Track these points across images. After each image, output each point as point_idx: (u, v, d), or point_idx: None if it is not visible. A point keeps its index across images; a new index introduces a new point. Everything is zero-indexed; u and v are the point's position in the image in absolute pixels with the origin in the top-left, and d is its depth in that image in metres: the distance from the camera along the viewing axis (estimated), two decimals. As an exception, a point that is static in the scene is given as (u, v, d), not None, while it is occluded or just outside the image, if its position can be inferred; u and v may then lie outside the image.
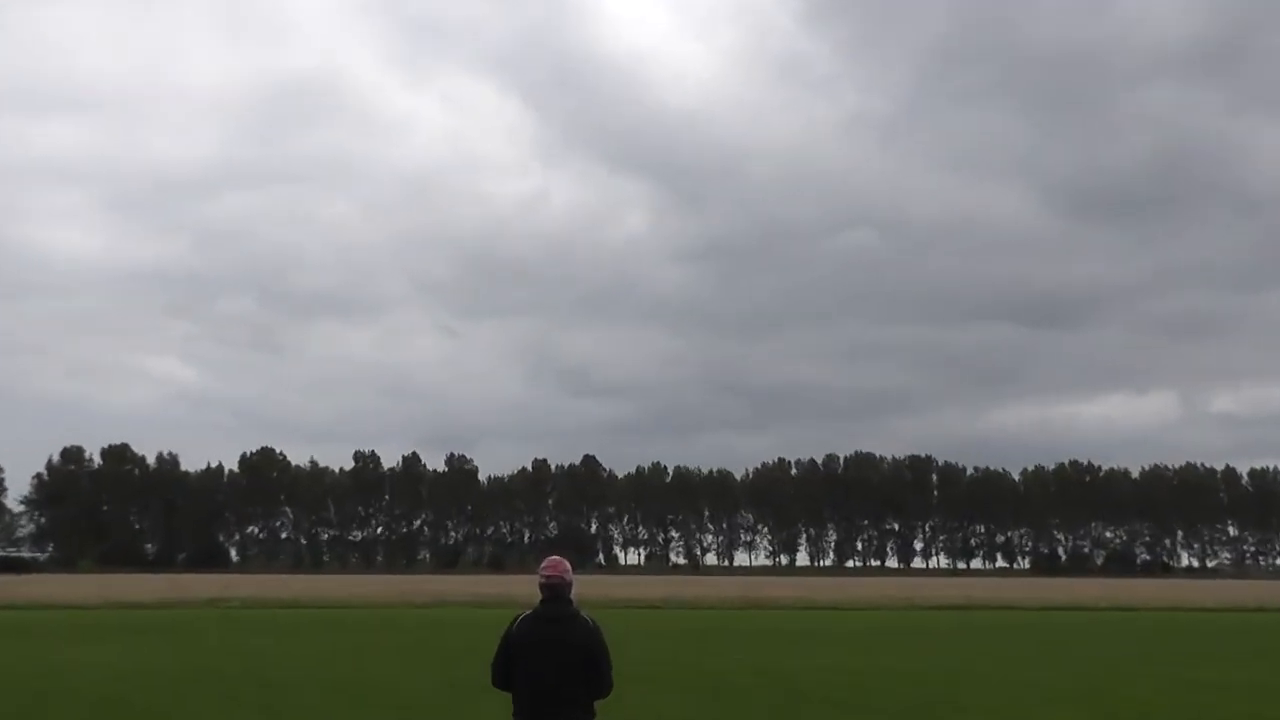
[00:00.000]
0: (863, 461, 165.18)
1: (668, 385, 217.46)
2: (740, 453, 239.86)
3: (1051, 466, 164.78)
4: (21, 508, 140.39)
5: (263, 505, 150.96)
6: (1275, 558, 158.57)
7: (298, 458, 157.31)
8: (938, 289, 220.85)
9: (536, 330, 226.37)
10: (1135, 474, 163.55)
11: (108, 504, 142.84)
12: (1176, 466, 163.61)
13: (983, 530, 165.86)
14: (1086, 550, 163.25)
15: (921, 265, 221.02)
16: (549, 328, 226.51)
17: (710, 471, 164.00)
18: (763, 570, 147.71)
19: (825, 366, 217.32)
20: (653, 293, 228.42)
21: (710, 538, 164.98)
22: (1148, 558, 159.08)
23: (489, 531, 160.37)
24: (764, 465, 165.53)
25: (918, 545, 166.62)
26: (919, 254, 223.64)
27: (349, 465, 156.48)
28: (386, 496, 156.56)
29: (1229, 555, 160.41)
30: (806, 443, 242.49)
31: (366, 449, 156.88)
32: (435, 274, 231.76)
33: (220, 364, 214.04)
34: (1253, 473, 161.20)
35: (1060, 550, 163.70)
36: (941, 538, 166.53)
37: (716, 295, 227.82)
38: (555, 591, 5.75)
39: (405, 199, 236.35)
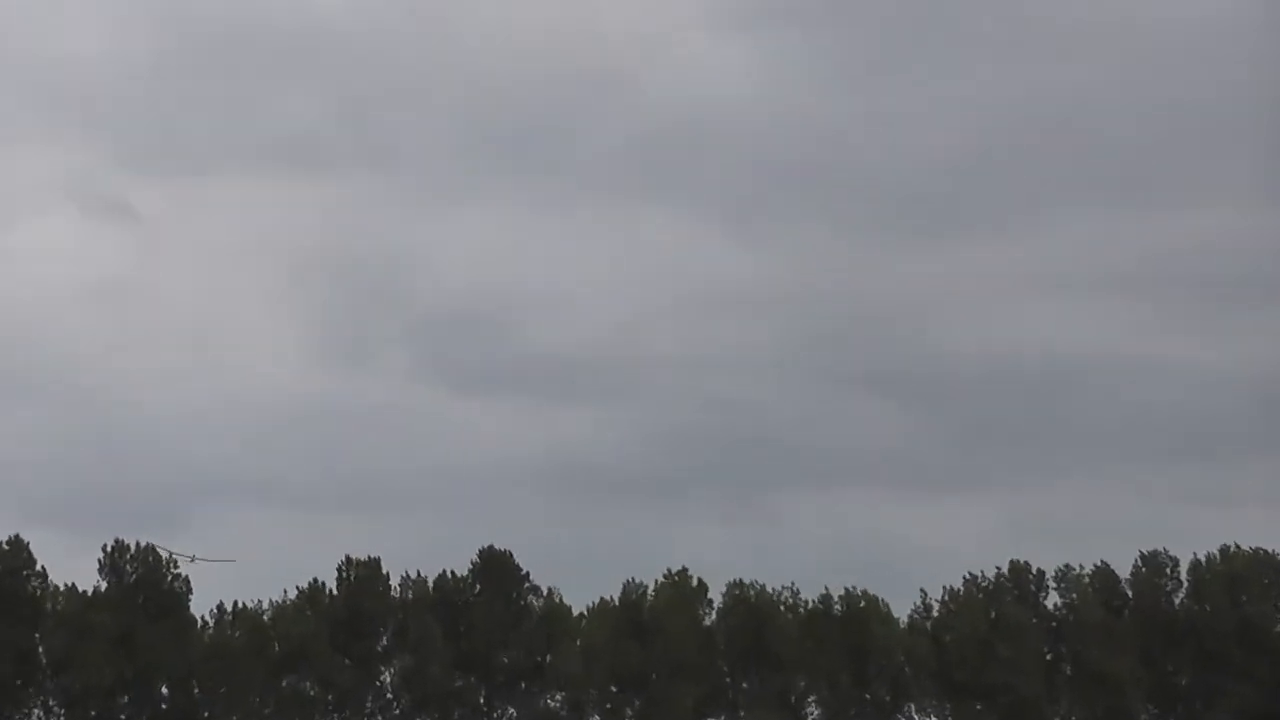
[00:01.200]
0: (1216, 584, 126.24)
1: (707, 362, 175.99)
2: (899, 550, 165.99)
3: None
4: None
5: None
6: None
7: None
8: None
9: (350, 211, 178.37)
10: None
11: None
12: None
13: None
14: None
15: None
16: (379, 204, 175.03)
17: (821, 600, 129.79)
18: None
19: (1111, 326, 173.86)
20: (670, 114, 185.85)
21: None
22: None
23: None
24: (969, 581, 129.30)
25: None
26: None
27: None
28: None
29: None
30: (1059, 519, 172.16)
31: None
32: (79, 50, 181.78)
33: None
34: None
35: None
36: None
37: (839, 127, 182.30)
38: None
39: None
